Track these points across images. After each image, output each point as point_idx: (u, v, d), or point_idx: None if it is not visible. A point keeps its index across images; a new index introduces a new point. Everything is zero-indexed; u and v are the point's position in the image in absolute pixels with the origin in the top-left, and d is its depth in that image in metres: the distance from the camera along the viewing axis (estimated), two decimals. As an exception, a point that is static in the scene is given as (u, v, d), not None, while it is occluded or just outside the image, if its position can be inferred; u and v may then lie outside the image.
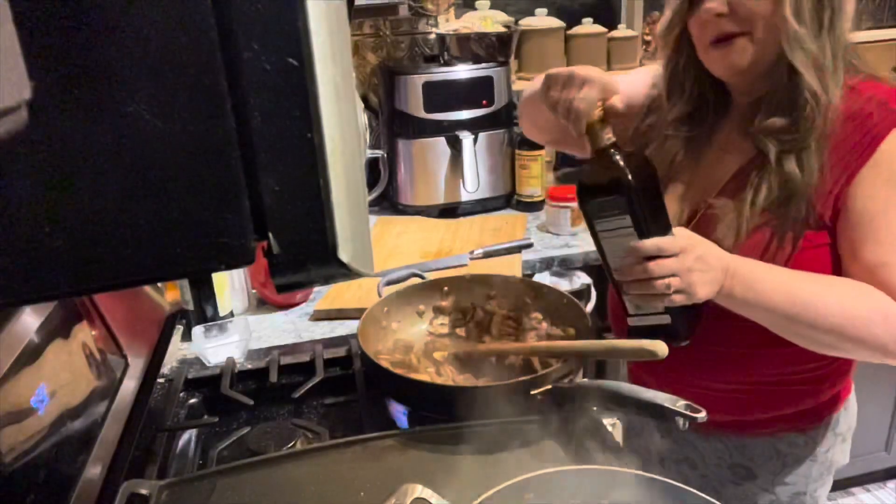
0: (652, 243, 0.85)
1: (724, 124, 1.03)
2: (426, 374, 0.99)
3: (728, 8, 0.88)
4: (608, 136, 0.89)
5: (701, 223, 0.98)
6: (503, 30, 1.95)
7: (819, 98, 0.88)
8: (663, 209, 0.91)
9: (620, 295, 0.94)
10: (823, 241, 0.93)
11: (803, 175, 0.90)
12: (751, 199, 0.92)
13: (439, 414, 0.90)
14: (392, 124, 1.90)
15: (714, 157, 1.02)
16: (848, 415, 1.11)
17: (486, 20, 1.99)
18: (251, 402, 1.02)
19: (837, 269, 0.94)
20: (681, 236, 0.87)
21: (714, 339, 0.99)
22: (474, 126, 1.87)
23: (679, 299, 0.86)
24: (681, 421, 0.77)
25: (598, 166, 0.90)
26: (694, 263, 0.85)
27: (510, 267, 1.59)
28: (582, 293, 1.55)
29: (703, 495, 0.67)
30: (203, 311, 1.30)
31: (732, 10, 0.88)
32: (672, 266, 0.84)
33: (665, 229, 0.88)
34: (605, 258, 0.93)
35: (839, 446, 1.11)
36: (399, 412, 0.96)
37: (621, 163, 0.87)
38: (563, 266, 1.65)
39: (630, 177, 0.86)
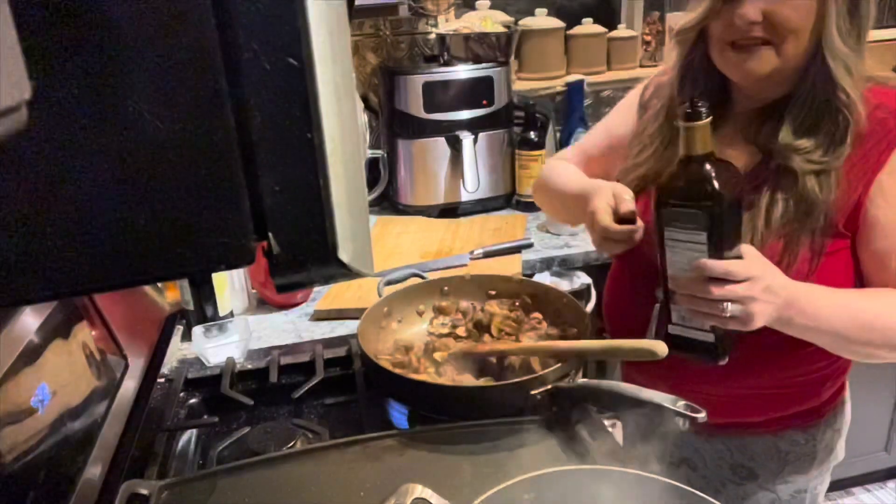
0: (722, 267, 0.82)
1: (723, 128, 1.03)
2: (426, 374, 0.99)
3: (762, 16, 0.87)
4: (706, 144, 0.82)
5: None
6: (503, 30, 1.95)
7: (853, 112, 0.88)
8: (740, 229, 0.87)
9: (668, 301, 0.91)
10: (841, 246, 0.93)
11: (822, 192, 0.89)
12: (765, 215, 0.91)
13: (439, 414, 0.90)
14: (392, 124, 1.90)
15: None
16: (844, 410, 1.12)
17: (486, 20, 1.99)
18: (251, 402, 1.02)
19: (858, 273, 0.94)
20: (751, 262, 0.84)
21: (748, 345, 0.99)
22: (474, 126, 1.87)
23: (733, 325, 0.84)
24: (681, 421, 0.77)
25: (687, 173, 0.83)
26: (760, 294, 0.82)
27: (510, 267, 1.59)
28: (582, 293, 1.55)
29: (703, 495, 0.67)
30: (203, 311, 1.30)
31: (766, 20, 0.87)
32: (737, 292, 0.82)
33: (736, 248, 0.85)
34: (664, 263, 0.89)
35: (837, 442, 1.12)
36: (399, 412, 0.96)
37: (714, 180, 0.81)
38: (563, 266, 1.65)
39: (722, 198, 0.81)
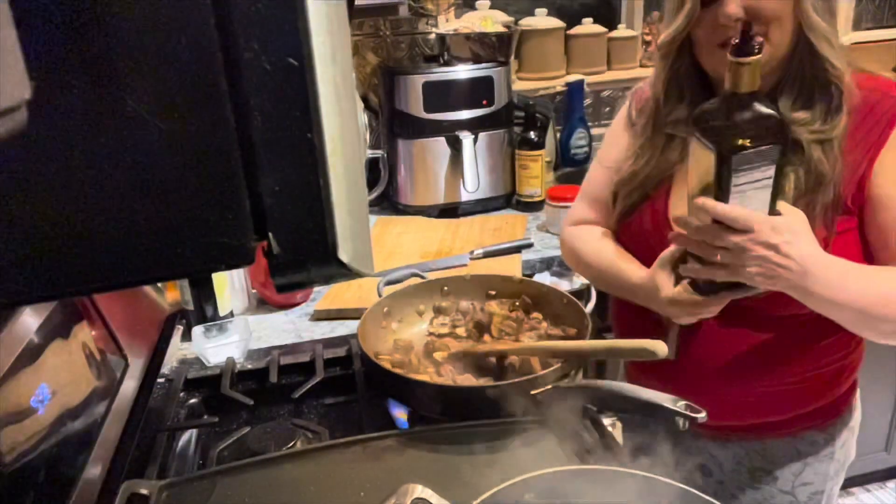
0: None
1: None
2: (426, 374, 0.99)
3: (744, 11, 0.89)
4: (756, 80, 0.79)
5: None
6: (503, 30, 1.95)
7: (844, 82, 0.90)
8: None
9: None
10: (851, 225, 0.94)
11: (828, 161, 0.91)
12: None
13: (439, 414, 0.90)
14: (392, 124, 1.90)
15: None
16: (857, 408, 1.13)
17: (486, 20, 1.99)
18: (251, 402, 1.02)
19: (867, 252, 0.95)
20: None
21: (743, 347, 1.00)
22: (474, 126, 1.87)
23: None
24: (681, 421, 0.77)
25: (750, 112, 0.80)
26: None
27: (510, 267, 1.59)
28: (582, 293, 1.55)
29: (703, 495, 0.67)
30: (203, 311, 1.30)
31: (749, 14, 0.89)
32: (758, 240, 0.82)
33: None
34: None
35: (851, 440, 1.13)
36: (399, 412, 0.96)
37: (778, 110, 0.79)
38: (563, 266, 1.65)
39: (787, 126, 0.80)
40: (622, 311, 1.16)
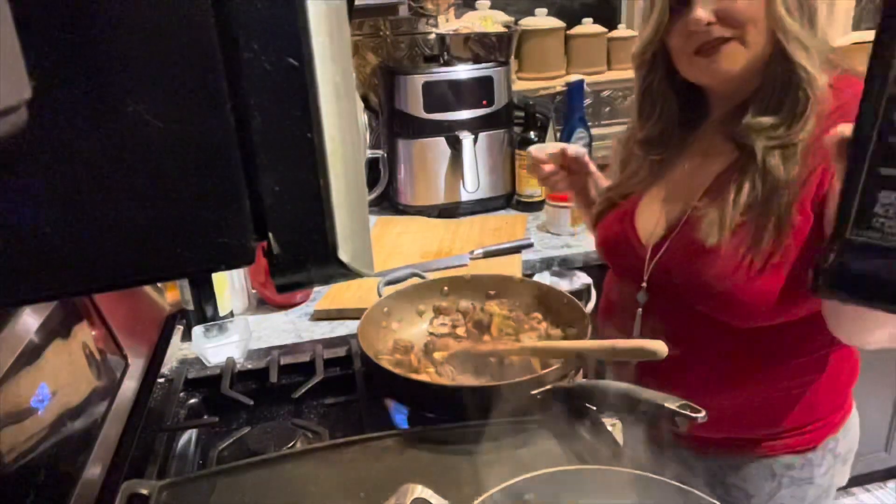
0: None
1: (700, 134, 1.03)
2: (426, 374, 0.99)
3: (715, 16, 0.88)
4: None
5: (685, 226, 0.99)
6: (503, 30, 1.95)
7: (814, 88, 0.87)
8: None
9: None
10: (810, 226, 0.90)
11: (786, 170, 0.88)
12: (733, 198, 0.92)
13: (439, 414, 0.90)
14: (392, 124, 1.90)
15: (692, 165, 1.03)
16: (848, 436, 1.08)
17: (486, 20, 1.99)
18: (251, 402, 1.02)
19: None
20: None
21: (709, 359, 0.99)
22: (474, 126, 1.87)
23: None
24: (680, 421, 0.76)
25: None
26: None
27: (510, 267, 1.59)
28: (582, 293, 1.55)
29: (703, 495, 0.67)
30: (203, 311, 1.30)
31: (720, 18, 0.87)
32: None
33: None
34: None
35: (839, 468, 1.09)
36: (399, 412, 0.96)
37: None
38: (563, 266, 1.65)
39: None
40: (605, 313, 1.17)
